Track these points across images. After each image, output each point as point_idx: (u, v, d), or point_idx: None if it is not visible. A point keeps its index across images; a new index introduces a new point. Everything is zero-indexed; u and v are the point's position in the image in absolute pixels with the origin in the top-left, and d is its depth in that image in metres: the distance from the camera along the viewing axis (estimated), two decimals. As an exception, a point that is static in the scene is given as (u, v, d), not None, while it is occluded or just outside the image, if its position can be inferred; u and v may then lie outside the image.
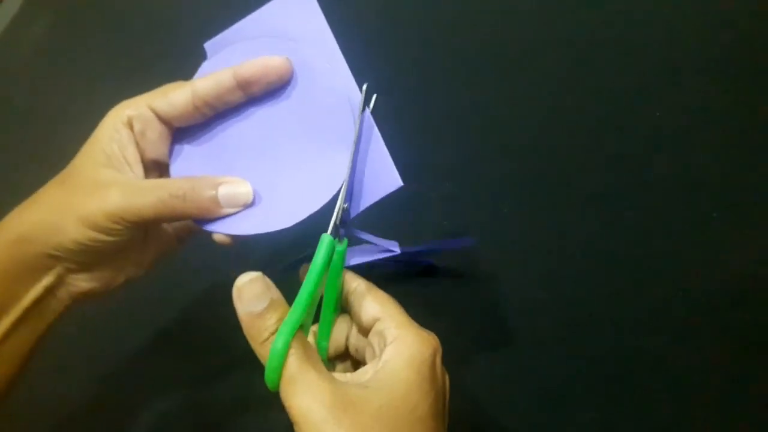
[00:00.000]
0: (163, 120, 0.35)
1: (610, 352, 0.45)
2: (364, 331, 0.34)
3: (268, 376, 0.28)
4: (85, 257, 0.34)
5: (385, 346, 0.30)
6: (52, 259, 0.33)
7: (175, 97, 0.34)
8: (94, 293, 0.36)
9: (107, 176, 0.33)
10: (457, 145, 0.58)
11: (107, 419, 0.49)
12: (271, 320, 0.29)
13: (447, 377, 0.32)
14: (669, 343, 0.45)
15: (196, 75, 0.36)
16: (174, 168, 0.36)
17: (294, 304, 0.29)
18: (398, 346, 0.30)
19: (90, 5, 0.80)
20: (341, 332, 0.36)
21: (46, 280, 0.34)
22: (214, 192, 0.33)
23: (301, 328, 0.29)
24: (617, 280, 0.48)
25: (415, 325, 0.31)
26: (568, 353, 0.46)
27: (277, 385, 0.28)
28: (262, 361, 0.28)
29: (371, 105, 0.33)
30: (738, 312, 0.46)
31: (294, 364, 0.28)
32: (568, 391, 0.44)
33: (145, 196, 0.32)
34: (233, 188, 0.34)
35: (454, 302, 0.49)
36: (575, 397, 0.44)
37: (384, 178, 0.33)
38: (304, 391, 0.27)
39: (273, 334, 0.28)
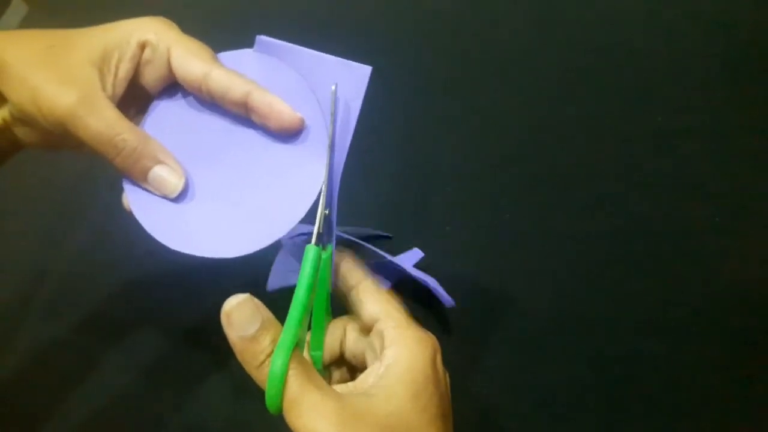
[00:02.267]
0: (173, 71, 0.33)
1: (611, 355, 0.46)
2: (365, 330, 0.33)
3: (269, 401, 0.27)
4: (25, 121, 0.33)
5: (384, 348, 0.30)
6: (2, 98, 0.33)
7: (192, 67, 0.33)
8: (37, 147, 0.36)
9: (84, 75, 0.32)
10: (458, 149, 0.58)
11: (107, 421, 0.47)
12: (265, 342, 0.27)
13: (447, 376, 0.32)
14: (670, 346, 0.45)
15: (229, 53, 0.35)
16: (149, 117, 0.35)
17: (287, 321, 0.28)
18: (398, 348, 0.29)
19: (96, 15, 0.75)
20: (335, 338, 0.35)
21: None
22: (150, 165, 0.33)
23: (297, 346, 0.28)
24: (618, 283, 0.49)
25: (414, 324, 0.31)
26: (568, 356, 0.46)
27: (280, 409, 0.27)
28: (261, 385, 0.27)
29: (332, 98, 0.32)
30: (739, 315, 0.46)
31: (295, 385, 0.27)
32: (568, 394, 0.44)
33: (93, 120, 0.31)
34: (167, 174, 0.33)
35: (458, 308, 0.49)
36: (575, 400, 0.44)
37: (352, 77, 0.32)
38: (309, 412, 0.26)
39: (269, 356, 0.27)
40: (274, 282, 0.44)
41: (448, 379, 0.32)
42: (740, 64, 0.60)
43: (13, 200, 0.58)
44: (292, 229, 0.32)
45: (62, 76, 0.31)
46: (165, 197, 0.33)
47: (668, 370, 0.45)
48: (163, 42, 0.33)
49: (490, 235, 0.52)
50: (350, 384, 0.31)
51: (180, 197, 0.33)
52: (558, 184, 0.54)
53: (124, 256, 0.52)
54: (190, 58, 0.33)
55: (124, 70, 0.33)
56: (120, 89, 0.33)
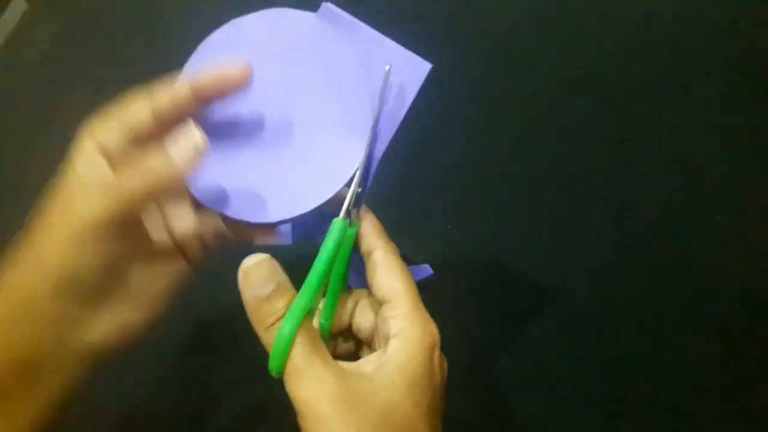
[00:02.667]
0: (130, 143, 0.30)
1: (611, 354, 0.46)
2: (368, 309, 0.34)
3: (273, 363, 0.27)
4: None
5: (390, 336, 0.30)
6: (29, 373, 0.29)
7: (133, 117, 0.30)
8: (116, 349, 0.32)
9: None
10: (459, 148, 0.57)
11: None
12: (278, 305, 0.28)
13: (445, 364, 0.32)
14: (670, 344, 0.45)
15: (292, 11, 0.34)
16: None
17: (302, 289, 0.29)
18: (402, 340, 0.30)
19: (96, 12, 0.77)
20: (346, 310, 0.36)
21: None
22: (163, 156, 0.30)
23: (309, 315, 0.29)
24: (619, 281, 0.48)
25: (420, 314, 0.31)
26: (569, 355, 0.46)
27: (282, 373, 0.27)
28: (267, 347, 0.28)
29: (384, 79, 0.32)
30: (740, 314, 0.46)
31: (301, 353, 0.27)
32: (568, 393, 0.45)
33: (113, 189, 0.29)
34: (180, 140, 0.30)
35: (457, 304, 0.49)
36: (576, 398, 0.44)
37: (409, 69, 0.32)
38: (310, 383, 0.27)
39: (279, 319, 0.28)
40: (298, 232, 0.44)
41: (445, 370, 0.32)
42: (741, 60, 0.58)
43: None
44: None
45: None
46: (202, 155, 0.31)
47: (667, 369, 0.45)
48: (113, 131, 0.30)
49: (491, 233, 0.52)
50: (353, 364, 0.31)
51: (230, 172, 0.33)
52: (559, 182, 0.54)
53: None
54: (126, 117, 0.30)
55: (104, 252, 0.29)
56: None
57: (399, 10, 0.67)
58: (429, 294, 0.48)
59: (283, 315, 0.28)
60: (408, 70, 0.31)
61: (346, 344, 0.37)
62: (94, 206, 0.29)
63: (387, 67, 0.31)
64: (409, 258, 0.35)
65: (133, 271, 0.32)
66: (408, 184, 0.55)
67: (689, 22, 0.62)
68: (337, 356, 0.37)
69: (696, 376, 0.44)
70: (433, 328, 0.31)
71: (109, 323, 0.31)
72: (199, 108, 0.32)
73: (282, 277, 0.29)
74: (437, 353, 0.31)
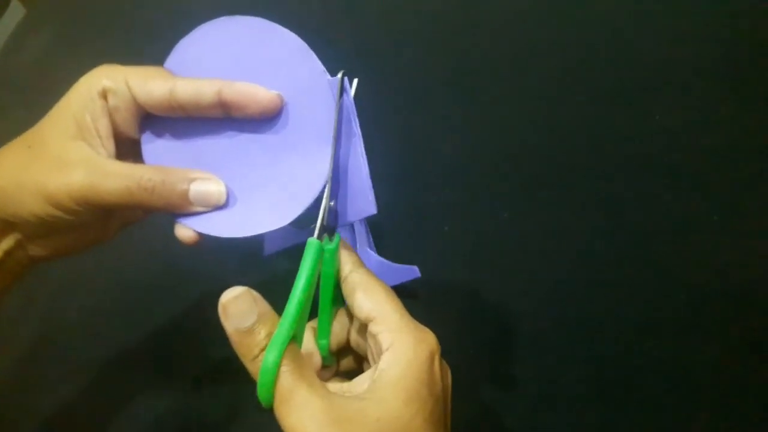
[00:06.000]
0: (138, 101, 0.32)
1: (609, 354, 0.45)
2: (360, 326, 0.33)
3: (261, 394, 0.27)
4: (43, 229, 0.33)
5: (381, 352, 0.29)
6: (8, 225, 0.32)
7: (155, 89, 0.32)
8: (54, 258, 0.35)
9: (75, 151, 0.31)
10: (456, 149, 0.57)
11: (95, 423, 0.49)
12: (260, 335, 0.28)
13: (449, 372, 0.31)
14: (668, 344, 0.44)
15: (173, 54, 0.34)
16: (147, 150, 0.34)
17: (283, 316, 0.28)
18: (394, 353, 0.29)
19: (94, 15, 0.77)
20: (342, 326, 0.35)
21: (5, 243, 0.33)
22: (186, 187, 0.32)
23: (294, 339, 0.28)
24: (617, 281, 0.47)
25: (412, 325, 0.30)
26: (567, 354, 0.45)
27: (271, 403, 0.27)
28: (254, 377, 0.27)
29: (352, 91, 0.31)
30: (738, 313, 0.45)
31: (287, 381, 0.27)
32: (567, 393, 0.44)
33: (112, 181, 0.31)
34: (206, 186, 0.32)
35: (454, 305, 0.49)
36: (574, 398, 0.44)
37: (360, 201, 0.31)
38: (298, 409, 0.26)
39: (263, 350, 0.27)
40: (271, 246, 0.44)
41: (449, 378, 0.31)
42: (739, 59, 0.57)
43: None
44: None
45: (57, 164, 0.31)
46: (216, 208, 0.33)
47: (667, 369, 0.44)
48: (120, 81, 0.32)
49: (488, 234, 0.52)
50: (345, 385, 0.30)
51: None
52: (556, 183, 0.53)
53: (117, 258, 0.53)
54: (149, 82, 0.32)
55: (103, 126, 0.32)
56: (111, 146, 0.32)
57: (389, 18, 0.67)
58: (423, 297, 0.48)
59: (267, 345, 0.27)
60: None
61: (348, 361, 0.36)
62: (88, 182, 0.30)
63: (339, 75, 0.30)
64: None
65: (92, 221, 0.34)
66: (403, 186, 0.54)
67: (686, 18, 0.61)
68: (340, 373, 0.36)
69: (694, 375, 0.43)
70: (427, 337, 0.30)
71: (53, 249, 0.34)
72: (218, 114, 0.32)
73: (262, 307, 0.28)
74: (437, 362, 0.30)
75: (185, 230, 0.33)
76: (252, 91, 0.31)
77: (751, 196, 0.50)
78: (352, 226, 0.45)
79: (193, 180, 0.32)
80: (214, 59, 0.33)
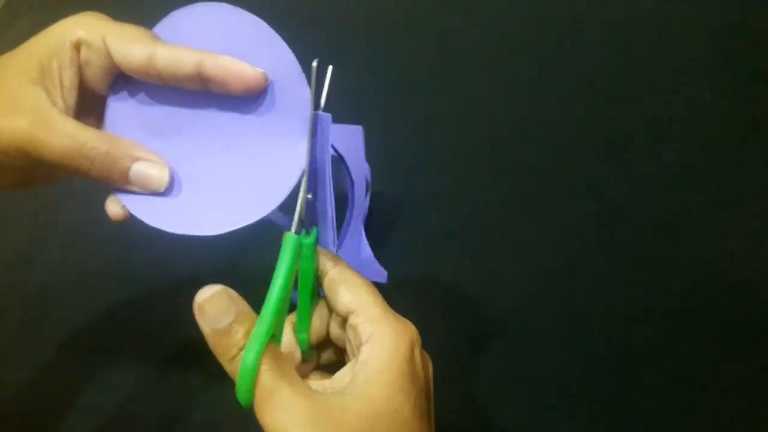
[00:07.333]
0: (114, 61, 0.31)
1: (600, 344, 0.45)
2: (340, 320, 0.32)
3: (240, 395, 0.26)
4: None
5: (360, 344, 0.29)
6: None
7: (134, 52, 0.30)
8: (7, 190, 0.34)
9: (29, 96, 0.30)
10: (443, 138, 0.56)
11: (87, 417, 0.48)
12: (238, 335, 0.27)
13: (430, 364, 0.31)
14: (659, 333, 0.45)
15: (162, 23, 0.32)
16: (111, 110, 0.33)
17: (261, 314, 0.27)
18: (374, 345, 0.28)
19: (74, 3, 0.73)
20: (322, 319, 0.35)
21: None
22: (128, 165, 0.31)
23: (273, 338, 0.28)
24: (606, 270, 0.48)
25: (391, 316, 0.30)
26: (556, 344, 0.45)
27: (251, 403, 0.26)
28: (233, 378, 0.27)
29: (327, 80, 0.30)
30: (728, 302, 0.46)
31: (266, 380, 0.26)
32: (557, 383, 0.44)
33: (54, 138, 0.29)
34: (149, 168, 0.31)
35: (441, 294, 0.48)
36: (564, 388, 0.44)
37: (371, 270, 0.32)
38: (279, 409, 0.26)
39: (241, 349, 0.26)
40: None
41: (430, 369, 0.31)
42: (732, 48, 0.58)
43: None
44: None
45: (7, 105, 0.29)
46: (155, 193, 0.32)
47: (657, 358, 0.44)
48: (97, 35, 0.30)
49: (476, 223, 0.52)
50: (326, 381, 0.30)
51: (169, 188, 0.32)
52: (545, 171, 0.53)
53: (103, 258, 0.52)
54: (129, 44, 0.30)
55: (68, 77, 0.31)
56: (71, 99, 0.31)
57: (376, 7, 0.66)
58: (409, 286, 0.48)
59: (245, 344, 0.27)
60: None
61: (328, 354, 0.36)
62: (30, 132, 0.29)
63: (314, 63, 0.28)
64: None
65: (35, 166, 0.32)
66: (391, 175, 0.54)
67: (678, 5, 0.61)
68: (320, 366, 0.36)
69: (685, 364, 0.44)
70: (407, 327, 0.30)
71: None
72: (196, 87, 0.31)
73: (240, 306, 0.27)
74: (417, 352, 0.29)
75: (115, 207, 0.32)
76: (236, 67, 0.30)
77: (741, 183, 0.50)
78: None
79: (137, 159, 0.31)
80: (204, 36, 0.31)
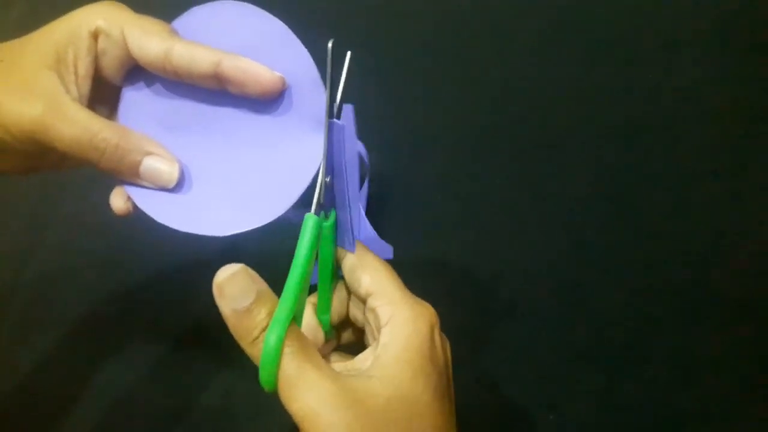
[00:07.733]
0: (131, 53, 0.31)
1: (609, 321, 0.45)
2: (360, 302, 0.32)
3: (264, 378, 0.26)
4: None
5: (380, 326, 0.29)
6: None
7: (151, 45, 0.30)
8: (15, 173, 0.34)
9: (44, 81, 0.30)
10: (445, 118, 0.56)
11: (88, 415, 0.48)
12: (260, 316, 0.27)
13: (448, 346, 0.31)
14: (668, 310, 0.45)
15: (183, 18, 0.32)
16: (125, 101, 0.33)
17: (283, 294, 0.27)
18: (394, 327, 0.28)
19: None
20: (341, 300, 0.35)
21: None
22: (138, 159, 0.31)
23: (294, 320, 0.27)
24: (615, 247, 0.48)
25: (409, 298, 0.30)
26: (565, 322, 0.46)
27: (275, 387, 0.26)
28: (255, 361, 0.27)
29: (345, 66, 0.29)
30: (739, 279, 0.45)
31: (291, 363, 0.26)
32: (567, 361, 0.44)
33: (65, 127, 0.29)
34: (159, 163, 0.31)
35: (447, 274, 0.48)
36: (574, 366, 0.44)
37: (375, 247, 0.31)
38: (306, 392, 0.25)
39: (263, 331, 0.26)
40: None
41: (449, 351, 0.31)
42: (735, 20, 0.57)
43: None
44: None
45: (21, 89, 0.29)
46: (164, 189, 0.32)
47: (666, 332, 0.44)
48: (116, 26, 0.30)
49: (481, 203, 0.51)
50: (348, 363, 0.30)
51: (179, 184, 0.32)
52: (550, 148, 0.53)
53: (108, 252, 0.52)
54: (146, 37, 0.30)
55: (84, 66, 0.31)
56: (85, 88, 0.31)
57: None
58: (416, 266, 0.47)
59: (267, 326, 0.27)
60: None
61: (348, 334, 0.36)
62: (42, 119, 0.29)
63: (330, 44, 0.28)
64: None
65: (45, 153, 0.32)
66: (394, 156, 0.54)
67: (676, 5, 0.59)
68: (340, 346, 0.36)
69: (694, 341, 0.44)
70: (426, 310, 0.30)
71: (4, 166, 0.33)
72: (212, 86, 0.31)
73: (261, 285, 0.27)
74: (437, 334, 0.30)
75: (119, 201, 0.32)
76: (254, 69, 0.29)
77: (751, 152, 0.50)
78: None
79: (148, 153, 0.31)
80: (223, 34, 0.31)
